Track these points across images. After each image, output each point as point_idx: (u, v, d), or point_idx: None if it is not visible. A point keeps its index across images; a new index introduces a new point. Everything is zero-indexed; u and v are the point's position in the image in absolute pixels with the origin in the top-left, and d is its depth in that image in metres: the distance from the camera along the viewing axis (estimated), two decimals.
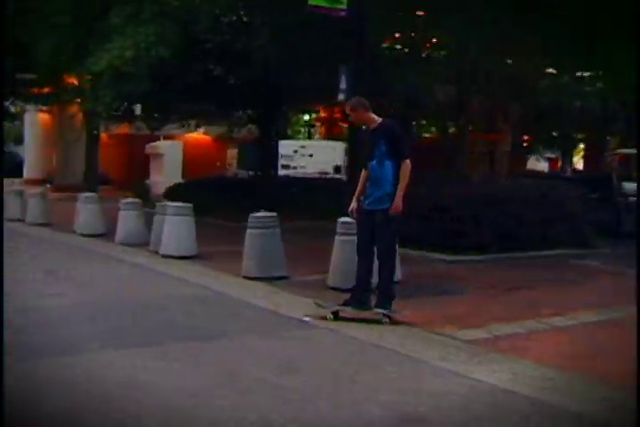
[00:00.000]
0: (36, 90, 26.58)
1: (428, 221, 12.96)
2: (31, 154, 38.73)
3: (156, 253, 12.35)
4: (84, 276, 10.42)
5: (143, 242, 13.38)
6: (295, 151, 27.82)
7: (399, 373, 5.99)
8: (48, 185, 32.24)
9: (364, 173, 7.88)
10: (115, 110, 16.74)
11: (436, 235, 12.77)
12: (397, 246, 8.37)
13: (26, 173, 37.79)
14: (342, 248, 9.53)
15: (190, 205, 12.24)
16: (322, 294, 8.98)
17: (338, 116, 36.58)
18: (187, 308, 8.49)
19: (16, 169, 38.29)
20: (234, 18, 13.89)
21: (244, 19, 14.20)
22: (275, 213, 10.52)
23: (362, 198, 7.86)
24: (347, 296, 7.97)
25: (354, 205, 7.83)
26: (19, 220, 18.05)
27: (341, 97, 11.34)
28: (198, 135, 33.71)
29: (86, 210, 15.22)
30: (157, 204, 13.06)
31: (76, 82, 25.11)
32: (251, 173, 23.47)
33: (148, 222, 13.77)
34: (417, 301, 8.89)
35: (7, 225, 17.64)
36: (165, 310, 8.30)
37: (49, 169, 36.57)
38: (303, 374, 5.89)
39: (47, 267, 10.95)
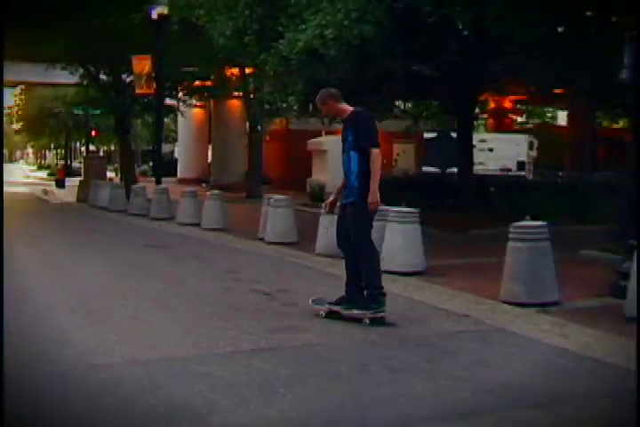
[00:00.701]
0: (197, 83, 25.13)
1: None
2: (184, 152, 37.76)
3: None
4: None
5: None
6: (473, 146, 25.27)
7: None
8: (204, 185, 31.06)
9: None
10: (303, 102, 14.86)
11: None
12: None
13: (180, 173, 36.81)
14: None
15: (417, 209, 10.15)
16: (623, 329, 6.84)
17: (508, 107, 34.07)
18: (470, 350, 6.35)
19: (162, 168, 37.42)
20: None
21: None
22: (543, 222, 8.32)
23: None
24: None
25: (330, 198, 7.70)
26: (193, 224, 16.48)
27: (625, 75, 9.01)
28: None
29: (276, 214, 13.30)
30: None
31: (237, 73, 23.67)
32: (433, 169, 21.17)
33: None
34: None
35: (182, 230, 16.15)
36: (445, 353, 6.20)
37: (203, 168, 35.53)
38: None
39: (258, 287, 9.07)
